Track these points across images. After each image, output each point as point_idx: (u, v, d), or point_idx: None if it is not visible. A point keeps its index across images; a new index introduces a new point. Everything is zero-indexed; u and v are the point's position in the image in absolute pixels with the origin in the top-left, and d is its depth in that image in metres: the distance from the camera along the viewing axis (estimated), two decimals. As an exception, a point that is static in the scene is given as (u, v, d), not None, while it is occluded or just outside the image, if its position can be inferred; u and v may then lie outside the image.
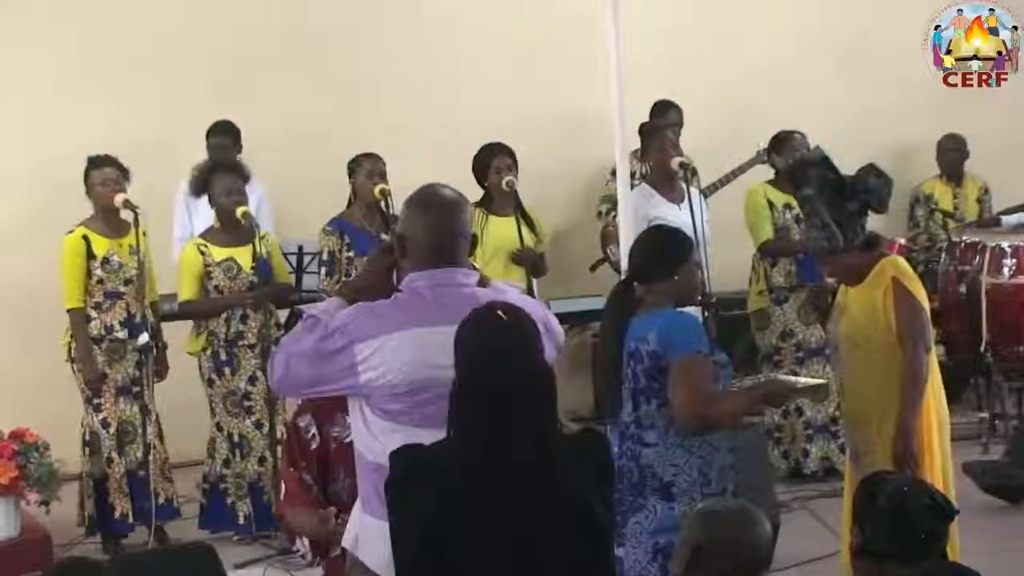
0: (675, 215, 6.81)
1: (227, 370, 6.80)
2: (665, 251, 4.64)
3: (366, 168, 7.03)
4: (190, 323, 7.02)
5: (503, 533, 3.17)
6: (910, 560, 3.47)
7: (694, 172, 7.02)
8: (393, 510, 3.26)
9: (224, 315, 6.79)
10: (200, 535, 6.75)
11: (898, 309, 4.86)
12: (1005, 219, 8.75)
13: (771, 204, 7.54)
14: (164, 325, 7.06)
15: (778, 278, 7.55)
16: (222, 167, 6.89)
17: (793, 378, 5.54)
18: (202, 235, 6.96)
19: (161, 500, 6.77)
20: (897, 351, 4.88)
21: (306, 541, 3.97)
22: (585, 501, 3.24)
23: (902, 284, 4.90)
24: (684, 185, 6.96)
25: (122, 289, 6.77)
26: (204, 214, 7.29)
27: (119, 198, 6.71)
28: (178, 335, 7.10)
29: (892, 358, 4.88)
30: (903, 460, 4.80)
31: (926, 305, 4.94)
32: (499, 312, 3.28)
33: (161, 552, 6.38)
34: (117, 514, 6.76)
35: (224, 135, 7.71)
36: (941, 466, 4.97)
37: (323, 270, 6.99)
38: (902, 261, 5.13)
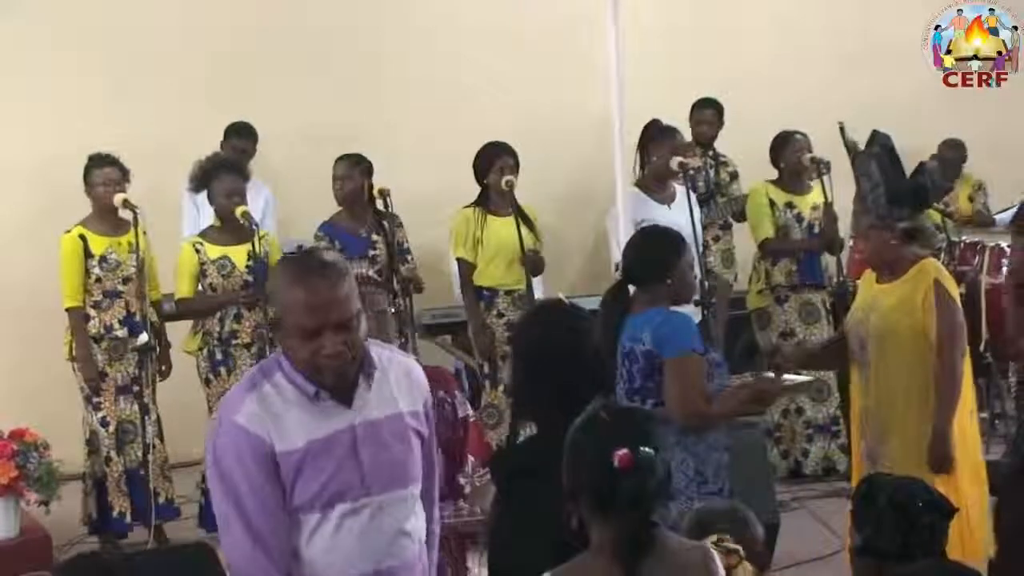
0: (663, 215, 6.79)
1: (223, 370, 6.78)
2: (657, 254, 4.65)
3: (335, 171, 7.21)
4: (189, 322, 7.00)
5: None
6: (910, 559, 3.47)
7: (696, 171, 7.00)
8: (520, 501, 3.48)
9: (218, 314, 6.77)
10: (200, 535, 6.74)
11: (940, 314, 4.86)
12: (999, 217, 8.76)
13: (772, 203, 7.54)
14: (166, 325, 7.04)
15: (779, 277, 7.54)
16: (223, 166, 6.88)
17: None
18: (200, 233, 6.96)
19: (161, 500, 6.76)
20: (927, 352, 4.87)
21: None
22: None
23: (945, 289, 4.90)
24: (686, 185, 6.98)
25: (121, 288, 6.76)
26: (210, 212, 7.28)
27: (118, 197, 6.70)
28: (179, 335, 7.09)
29: (921, 358, 4.87)
30: (940, 464, 4.79)
31: None
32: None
33: (161, 551, 6.37)
34: (115, 513, 6.76)
35: (245, 138, 7.72)
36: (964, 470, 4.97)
37: None
38: (939, 263, 5.14)
